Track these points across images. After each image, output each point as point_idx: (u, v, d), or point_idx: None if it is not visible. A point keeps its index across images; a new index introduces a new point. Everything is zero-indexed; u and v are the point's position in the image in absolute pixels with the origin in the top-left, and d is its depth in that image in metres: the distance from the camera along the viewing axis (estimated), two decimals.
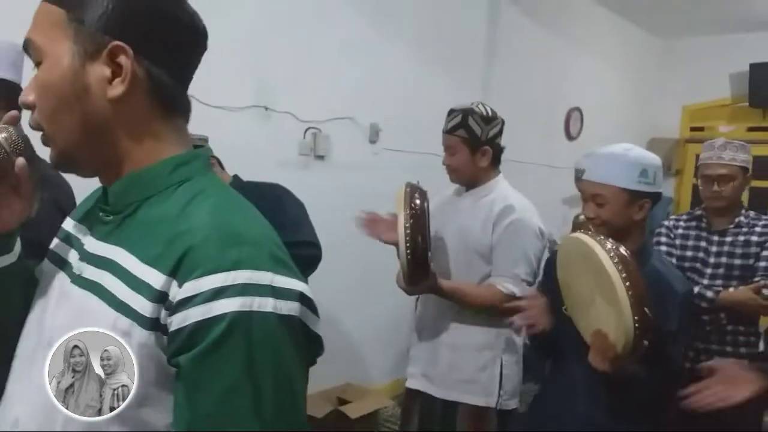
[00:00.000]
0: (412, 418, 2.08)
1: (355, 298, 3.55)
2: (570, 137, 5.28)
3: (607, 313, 1.35)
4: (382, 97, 3.60)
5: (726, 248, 2.34)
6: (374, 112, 3.57)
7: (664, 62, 6.26)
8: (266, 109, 3.05)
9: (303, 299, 0.72)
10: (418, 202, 1.79)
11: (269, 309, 0.68)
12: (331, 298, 3.40)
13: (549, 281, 1.66)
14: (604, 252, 1.34)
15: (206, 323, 0.65)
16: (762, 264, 2.28)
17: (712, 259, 2.35)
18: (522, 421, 1.91)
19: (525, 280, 1.90)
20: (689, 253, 2.41)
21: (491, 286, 1.91)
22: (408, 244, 1.72)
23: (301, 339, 0.71)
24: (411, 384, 2.09)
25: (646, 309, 1.30)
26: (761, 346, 2.39)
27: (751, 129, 5.89)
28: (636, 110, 6.10)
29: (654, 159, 1.59)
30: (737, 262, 2.31)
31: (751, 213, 2.39)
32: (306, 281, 0.75)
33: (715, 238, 2.36)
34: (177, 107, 0.79)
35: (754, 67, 5.56)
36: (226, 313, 0.65)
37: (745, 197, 5.80)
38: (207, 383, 0.66)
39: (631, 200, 1.55)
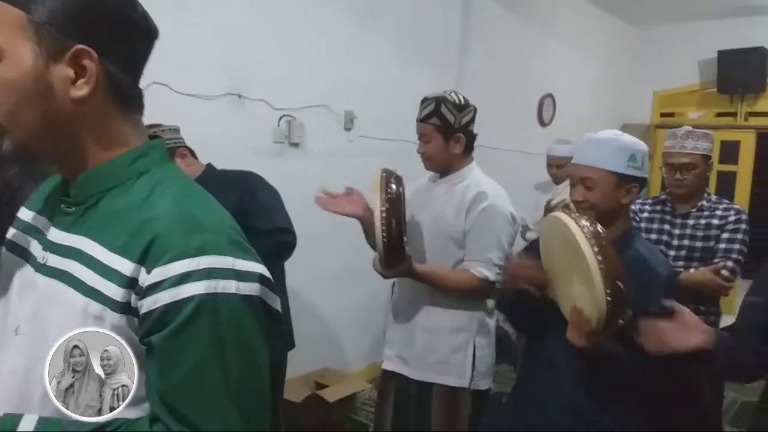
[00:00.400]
0: (387, 399, 2.12)
1: (332, 284, 3.58)
2: (543, 123, 5.35)
3: (582, 289, 1.39)
4: (356, 85, 3.61)
5: (688, 231, 2.42)
6: (349, 100, 3.59)
7: (635, 49, 6.35)
8: (240, 96, 3.05)
9: (262, 280, 0.80)
10: (393, 187, 1.82)
11: (233, 290, 0.75)
12: (308, 285, 3.43)
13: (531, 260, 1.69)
14: (578, 228, 1.37)
15: (175, 305, 0.72)
16: (721, 246, 2.37)
17: (675, 242, 2.44)
18: (506, 404, 1.95)
19: (497, 264, 1.94)
20: (653, 236, 2.48)
21: (464, 270, 1.95)
22: (384, 229, 1.75)
23: (261, 316, 0.79)
24: (387, 366, 2.13)
25: (619, 283, 1.32)
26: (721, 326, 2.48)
27: (719, 114, 6.03)
28: (608, 96, 6.19)
29: (642, 145, 1.64)
30: (698, 244, 2.40)
31: (713, 197, 2.47)
32: (263, 263, 0.82)
33: (678, 221, 2.44)
34: (133, 103, 0.83)
35: (722, 54, 5.68)
36: (193, 296, 0.72)
37: (713, 180, 5.96)
38: (178, 359, 0.72)
39: (620, 184, 1.59)
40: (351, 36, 3.57)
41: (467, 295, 1.97)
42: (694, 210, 2.43)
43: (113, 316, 0.74)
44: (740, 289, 5.98)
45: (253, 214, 2.24)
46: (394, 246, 1.78)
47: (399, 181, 1.87)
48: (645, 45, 6.32)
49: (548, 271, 1.57)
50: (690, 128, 2.48)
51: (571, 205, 1.66)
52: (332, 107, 3.50)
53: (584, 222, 1.39)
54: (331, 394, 3.23)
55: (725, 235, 2.37)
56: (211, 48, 2.92)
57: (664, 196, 2.53)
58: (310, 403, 3.22)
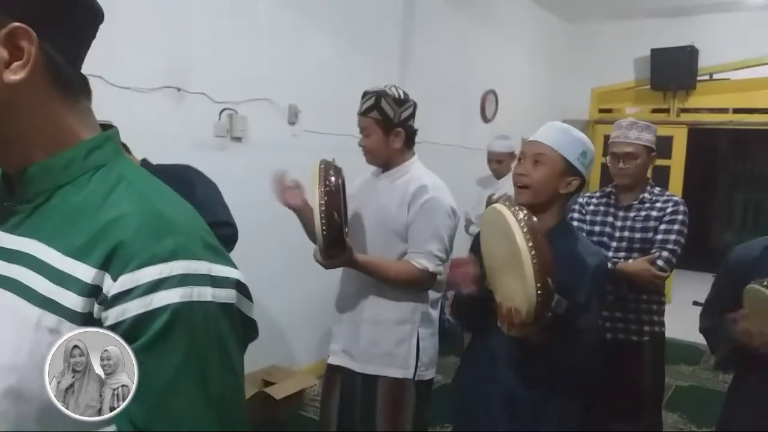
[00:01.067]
0: (333, 394, 2.11)
1: (277, 280, 3.54)
2: (485, 119, 5.44)
3: (515, 281, 1.42)
4: (300, 79, 3.58)
5: (629, 223, 2.48)
6: (293, 94, 3.55)
7: (574, 46, 6.52)
8: (179, 90, 2.98)
9: (239, 286, 0.73)
10: (332, 179, 1.82)
11: (209, 298, 0.68)
12: (253, 281, 3.27)
13: (476, 253, 1.72)
14: (515, 220, 1.40)
15: (147, 316, 0.65)
16: (658, 237, 2.42)
17: (617, 233, 2.50)
18: (449, 391, 1.98)
19: (437, 256, 1.96)
20: (597, 228, 2.54)
21: (405, 261, 1.96)
22: (323, 220, 1.75)
23: (238, 324, 0.73)
24: (332, 360, 2.12)
25: (548, 279, 1.36)
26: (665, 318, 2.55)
27: (654, 111, 6.26)
28: (548, 93, 6.34)
29: (593, 149, 1.71)
30: (637, 235, 2.46)
31: (657, 189, 2.52)
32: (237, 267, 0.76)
33: (621, 213, 2.50)
34: (80, 90, 0.75)
35: (655, 52, 5.90)
36: (167, 305, 0.65)
37: (648, 176, 6.16)
38: (151, 375, 0.66)
39: (565, 171, 1.64)
40: (293, 28, 3.53)
41: (409, 286, 1.98)
42: (636, 202, 2.49)
43: (71, 329, 0.66)
44: (676, 279, 6.19)
45: (194, 208, 2.19)
46: (333, 237, 1.78)
47: (338, 172, 1.87)
48: (583, 42, 6.50)
49: (487, 262, 1.60)
50: (634, 120, 2.54)
51: (512, 198, 1.70)
52: (275, 101, 3.46)
53: (522, 215, 1.41)
54: (278, 391, 3.20)
55: (662, 226, 2.43)
56: (147, 39, 2.83)
57: (609, 189, 2.59)
58: (257, 401, 3.18)
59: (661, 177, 6.14)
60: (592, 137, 6.33)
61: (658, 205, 2.47)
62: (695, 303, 4.84)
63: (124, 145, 2.24)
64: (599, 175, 6.41)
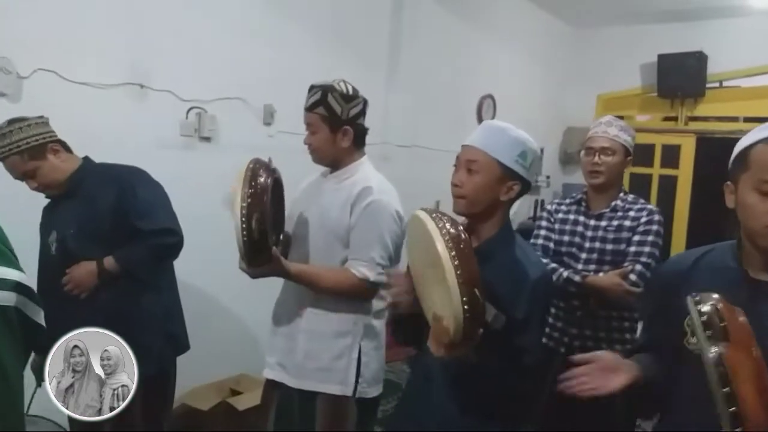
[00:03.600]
0: (269, 410, 1.98)
1: (247, 285, 3.39)
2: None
3: (441, 296, 1.28)
4: (277, 79, 3.46)
5: (600, 233, 2.31)
6: (269, 94, 3.44)
7: (578, 51, 6.33)
8: (142, 86, 2.88)
9: (19, 288, 0.69)
10: (261, 179, 1.69)
11: None
12: (221, 287, 3.27)
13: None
14: (436, 229, 1.27)
15: None
16: (632, 249, 2.25)
17: (587, 244, 2.32)
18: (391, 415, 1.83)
19: (380, 263, 1.83)
20: (566, 238, 2.38)
21: (345, 269, 1.83)
22: (243, 225, 1.62)
23: (17, 329, 0.68)
24: (268, 374, 2.00)
25: (476, 291, 1.22)
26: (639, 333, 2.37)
27: (665, 119, 6.04)
28: (551, 99, 6.15)
29: (536, 147, 1.54)
30: (609, 246, 2.28)
31: (630, 197, 2.36)
32: (22, 270, 0.71)
33: (592, 222, 2.33)
34: None
35: (662, 58, 5.68)
36: None
37: (654, 184, 5.94)
38: None
39: (503, 177, 1.50)
40: (272, 25, 3.42)
41: (348, 296, 1.84)
42: (607, 210, 2.32)
43: None
44: None
45: (134, 212, 2.10)
46: (256, 244, 1.65)
47: (270, 172, 1.74)
48: (588, 48, 6.30)
49: (414, 275, 1.45)
50: (614, 117, 2.39)
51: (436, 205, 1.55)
52: (249, 100, 3.34)
53: (445, 222, 1.28)
54: (241, 402, 3.07)
55: (636, 238, 2.26)
56: (107, 31, 2.74)
57: (580, 196, 2.43)
58: (219, 412, 3.05)
59: (668, 187, 5.92)
60: None
61: (632, 213, 2.29)
62: None
63: (62, 143, 2.17)
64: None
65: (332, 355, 1.87)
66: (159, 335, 2.20)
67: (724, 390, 0.97)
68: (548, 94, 6.12)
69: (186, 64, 3.03)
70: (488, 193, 1.49)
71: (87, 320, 2.14)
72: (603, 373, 1.32)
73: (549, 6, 5.74)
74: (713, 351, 1.00)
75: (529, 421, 1.58)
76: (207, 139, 3.17)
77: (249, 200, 1.63)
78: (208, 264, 2.99)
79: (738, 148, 1.27)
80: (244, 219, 1.61)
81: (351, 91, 1.94)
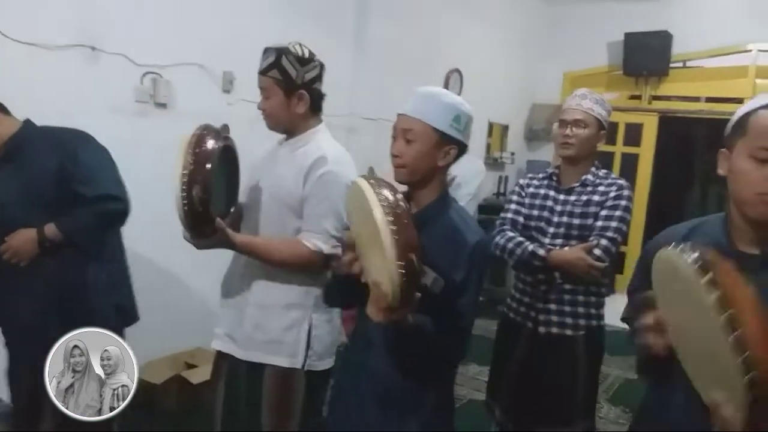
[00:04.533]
0: (219, 381, 1.94)
1: (203, 255, 3.31)
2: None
3: (379, 262, 1.27)
4: (238, 45, 3.34)
5: (568, 207, 2.28)
6: (228, 60, 3.33)
7: (546, 28, 6.32)
8: (93, 49, 2.75)
9: None
10: (207, 145, 1.61)
11: None
12: (175, 258, 3.19)
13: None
14: (374, 195, 1.26)
15: None
16: (598, 224, 2.22)
17: (555, 218, 2.30)
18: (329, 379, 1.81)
19: (334, 235, 1.78)
20: (535, 212, 2.34)
21: (296, 241, 1.78)
22: (184, 194, 1.55)
23: None
24: (216, 345, 1.95)
25: (412, 255, 1.21)
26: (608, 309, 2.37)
27: (631, 97, 6.08)
28: (518, 75, 6.14)
29: (469, 109, 1.55)
30: (576, 221, 2.25)
31: (602, 172, 2.33)
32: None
33: (561, 197, 2.30)
34: None
35: (628, 37, 5.71)
36: None
37: (617, 162, 6.01)
38: None
39: (440, 143, 1.50)
40: None
41: (300, 268, 1.80)
42: (577, 185, 2.29)
43: None
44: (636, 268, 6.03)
45: (76, 178, 2.00)
46: (198, 215, 1.58)
47: (218, 137, 1.66)
48: (556, 24, 6.29)
49: (356, 241, 1.43)
50: (590, 90, 2.35)
51: (380, 171, 1.53)
52: (208, 67, 3.24)
53: (383, 189, 1.27)
54: (196, 375, 3.03)
55: (603, 212, 2.23)
56: None
57: (552, 171, 2.41)
58: (173, 385, 3.01)
59: (630, 165, 6.00)
60: None
61: (601, 188, 2.26)
62: None
63: (0, 105, 2.06)
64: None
65: (281, 327, 1.82)
66: (104, 306, 2.12)
67: (735, 334, 0.89)
68: (515, 70, 6.11)
69: (141, 27, 2.91)
70: (427, 160, 1.50)
71: (28, 290, 2.10)
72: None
73: None
74: (716, 295, 0.92)
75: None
76: (162, 105, 3.06)
77: (191, 167, 1.55)
78: (161, 234, 2.88)
79: (737, 114, 1.25)
80: (184, 188, 1.54)
81: (307, 54, 1.87)
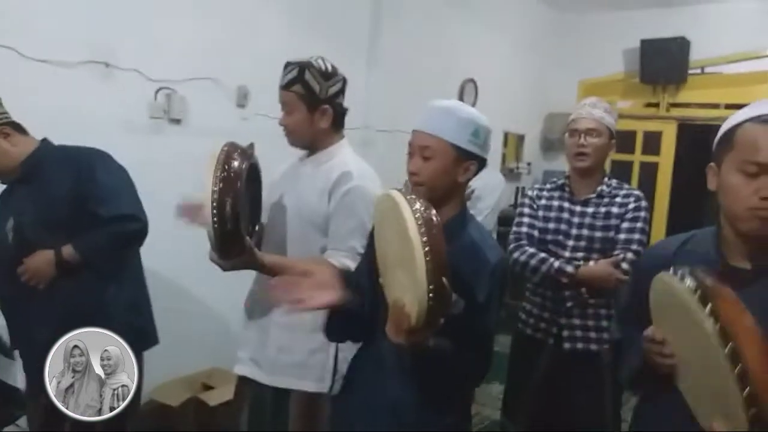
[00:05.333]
0: (242, 409, 1.87)
1: (218, 275, 3.26)
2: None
3: (406, 280, 1.21)
4: (252, 59, 3.30)
5: (587, 219, 2.24)
6: (242, 74, 3.29)
7: (561, 36, 6.24)
8: (107, 65, 2.71)
9: None
10: (235, 163, 1.56)
11: None
12: (191, 277, 3.12)
13: (371, 246, 1.50)
14: (410, 211, 1.21)
15: None
16: (621, 236, 2.19)
17: (573, 231, 2.25)
18: (334, 402, 1.73)
19: (361, 253, 1.71)
20: (552, 225, 2.30)
21: (323, 260, 1.71)
22: (215, 211, 1.49)
23: None
24: (239, 370, 1.89)
25: (444, 279, 1.16)
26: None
27: (648, 105, 5.99)
28: (533, 84, 6.06)
29: (487, 122, 1.50)
30: (598, 234, 2.22)
31: (614, 182, 2.30)
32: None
33: (578, 208, 2.26)
34: None
35: (645, 44, 5.63)
36: None
37: (635, 171, 5.91)
38: None
39: (459, 159, 1.45)
40: (245, 3, 3.26)
41: None
42: (593, 196, 2.25)
43: None
44: None
45: (94, 198, 1.96)
46: (228, 233, 1.53)
47: (246, 156, 1.61)
48: (571, 32, 6.21)
49: (380, 256, 1.37)
50: (598, 99, 2.33)
51: (410, 184, 1.48)
52: (222, 81, 3.19)
53: (418, 205, 1.21)
54: (213, 397, 2.95)
55: (625, 225, 2.20)
56: (70, 6, 2.57)
57: (562, 181, 2.35)
58: (190, 407, 2.93)
59: (649, 174, 5.89)
60: None
61: (618, 200, 2.23)
62: None
63: (14, 125, 2.01)
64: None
65: (308, 349, 1.76)
66: (124, 329, 2.05)
67: (737, 369, 0.89)
68: (530, 79, 6.03)
69: (155, 42, 2.87)
70: (446, 178, 1.45)
71: (46, 313, 2.04)
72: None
73: None
74: (708, 309, 0.93)
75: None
76: (177, 121, 3.01)
77: (221, 185, 1.50)
78: (177, 252, 2.86)
79: (723, 128, 1.22)
80: (215, 205, 1.49)
81: (330, 69, 1.83)
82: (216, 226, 1.50)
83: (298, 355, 1.76)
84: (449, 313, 1.21)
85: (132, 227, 2.00)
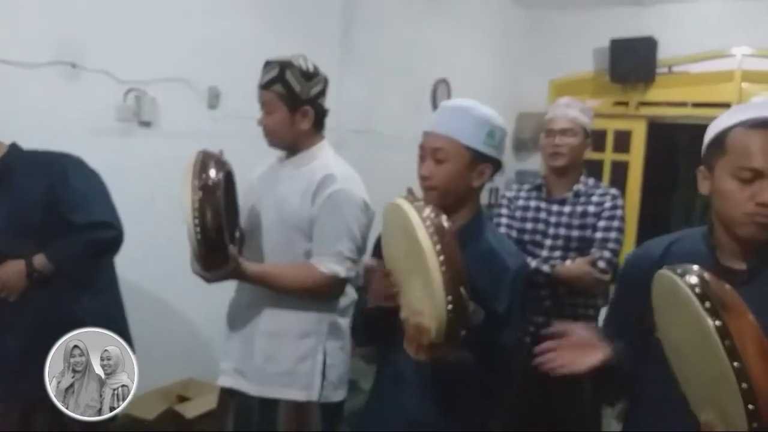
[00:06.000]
0: (227, 421, 1.79)
1: (195, 281, 3.18)
2: (437, 109, 5.15)
3: (422, 293, 1.14)
4: (223, 59, 3.22)
5: (564, 219, 2.27)
6: (213, 75, 3.20)
7: (532, 36, 6.27)
8: (73, 66, 2.60)
9: None
10: (212, 172, 1.51)
11: None
12: (166, 283, 3.03)
13: (379, 256, 1.44)
14: (419, 219, 1.14)
15: None
16: (598, 235, 2.21)
17: (551, 230, 2.27)
18: (356, 419, 1.68)
19: (349, 257, 1.66)
20: (529, 225, 2.31)
21: (309, 266, 1.65)
22: (197, 221, 1.42)
23: None
24: (223, 381, 1.81)
25: (462, 289, 1.10)
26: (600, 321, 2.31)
27: (617, 104, 6.04)
28: (505, 83, 6.07)
29: (502, 122, 1.44)
30: (575, 233, 2.24)
31: (590, 181, 2.32)
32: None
33: (554, 207, 2.28)
34: None
35: (614, 43, 5.67)
36: None
37: (606, 170, 5.96)
38: None
39: (473, 162, 1.38)
40: (217, 3, 3.18)
41: (315, 295, 1.67)
42: (570, 195, 2.27)
43: None
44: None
45: (66, 205, 1.88)
46: (211, 243, 1.47)
47: (221, 165, 1.57)
48: (541, 31, 6.24)
49: (388, 266, 1.31)
50: (573, 99, 2.35)
51: (415, 191, 1.41)
52: (193, 82, 3.10)
53: (428, 212, 1.15)
54: (190, 409, 2.86)
55: (602, 224, 2.22)
56: (33, 4, 2.45)
57: (540, 181, 2.37)
58: (166, 420, 2.83)
59: (620, 173, 5.94)
60: None
61: (595, 198, 2.24)
62: None
63: None
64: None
65: (295, 357, 1.70)
66: None
67: (735, 364, 0.88)
68: (501, 78, 6.04)
69: (123, 41, 2.76)
70: (460, 181, 1.39)
71: (18, 325, 1.94)
72: (576, 349, 1.24)
73: None
74: (716, 323, 0.91)
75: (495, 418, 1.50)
76: (147, 123, 2.91)
77: (201, 194, 1.44)
78: (149, 259, 2.78)
79: (712, 131, 1.21)
80: (196, 215, 1.43)
81: (311, 69, 1.77)
82: (199, 236, 1.44)
83: (286, 364, 1.69)
84: (470, 324, 1.16)
85: (107, 235, 1.92)
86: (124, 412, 2.73)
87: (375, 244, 1.52)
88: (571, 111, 2.26)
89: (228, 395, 1.81)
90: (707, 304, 0.92)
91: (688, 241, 1.28)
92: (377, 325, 1.43)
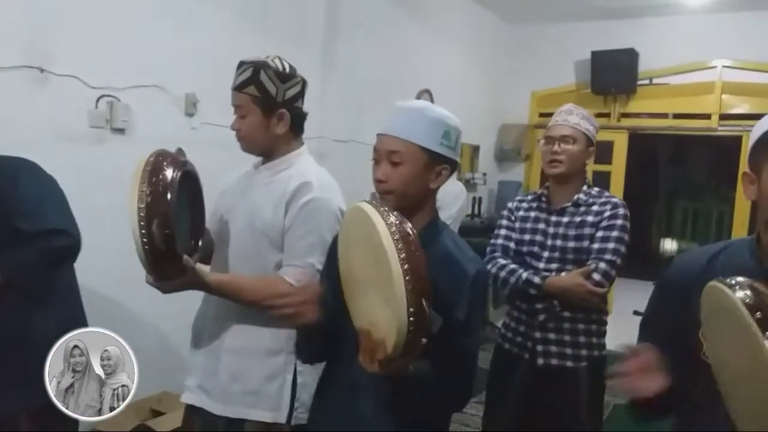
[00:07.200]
0: None
1: (171, 295, 3.10)
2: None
3: (379, 303, 1.09)
4: (200, 66, 3.15)
5: (561, 230, 2.14)
6: (190, 82, 3.13)
7: (514, 48, 6.29)
8: (42, 70, 2.52)
9: None
10: (166, 173, 1.40)
11: None
12: (139, 296, 2.91)
13: (332, 263, 1.38)
14: (384, 226, 1.08)
15: None
16: (595, 246, 2.08)
17: (548, 242, 2.16)
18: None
19: (320, 270, 1.59)
20: (527, 237, 2.21)
21: (277, 278, 1.58)
22: (143, 232, 1.34)
23: None
24: (186, 398, 1.72)
25: (424, 301, 1.04)
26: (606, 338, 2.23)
27: (599, 115, 6.05)
28: (487, 95, 6.08)
29: (457, 123, 1.39)
30: (571, 244, 2.12)
31: (594, 190, 2.20)
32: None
33: (553, 218, 2.17)
34: None
35: (595, 55, 5.71)
36: None
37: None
38: None
39: (430, 163, 1.34)
40: (193, 6, 3.12)
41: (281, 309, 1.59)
42: (569, 205, 2.15)
43: None
44: (615, 288, 6.01)
45: (16, 211, 1.75)
46: (160, 252, 1.37)
47: (179, 165, 1.46)
48: (524, 44, 6.27)
49: (344, 274, 1.25)
50: (576, 106, 2.25)
51: (377, 195, 1.36)
52: (169, 89, 3.03)
53: (393, 219, 1.09)
54: (162, 424, 2.76)
55: (599, 234, 2.09)
56: None
57: (541, 191, 2.27)
58: None
59: (602, 183, 5.95)
60: (532, 141, 6.11)
61: (595, 208, 2.12)
62: (635, 312, 4.59)
63: None
64: (539, 181, 6.18)
65: (262, 376, 1.61)
66: None
67: None
68: (483, 90, 6.04)
69: (95, 46, 2.68)
70: (417, 184, 1.35)
71: None
72: (641, 373, 1.18)
73: (486, 2, 5.65)
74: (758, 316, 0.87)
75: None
76: (120, 131, 2.83)
77: (149, 199, 1.34)
78: (121, 270, 2.65)
79: (757, 133, 1.13)
80: (142, 224, 1.33)
81: (287, 69, 1.70)
82: (146, 247, 1.35)
83: (253, 383, 1.60)
84: (429, 332, 1.10)
85: (60, 243, 1.80)
86: (94, 428, 2.67)
87: (330, 248, 1.46)
88: (572, 118, 2.17)
89: (192, 412, 1.72)
90: (758, 315, 0.88)
91: (734, 251, 1.22)
92: (321, 340, 1.38)
